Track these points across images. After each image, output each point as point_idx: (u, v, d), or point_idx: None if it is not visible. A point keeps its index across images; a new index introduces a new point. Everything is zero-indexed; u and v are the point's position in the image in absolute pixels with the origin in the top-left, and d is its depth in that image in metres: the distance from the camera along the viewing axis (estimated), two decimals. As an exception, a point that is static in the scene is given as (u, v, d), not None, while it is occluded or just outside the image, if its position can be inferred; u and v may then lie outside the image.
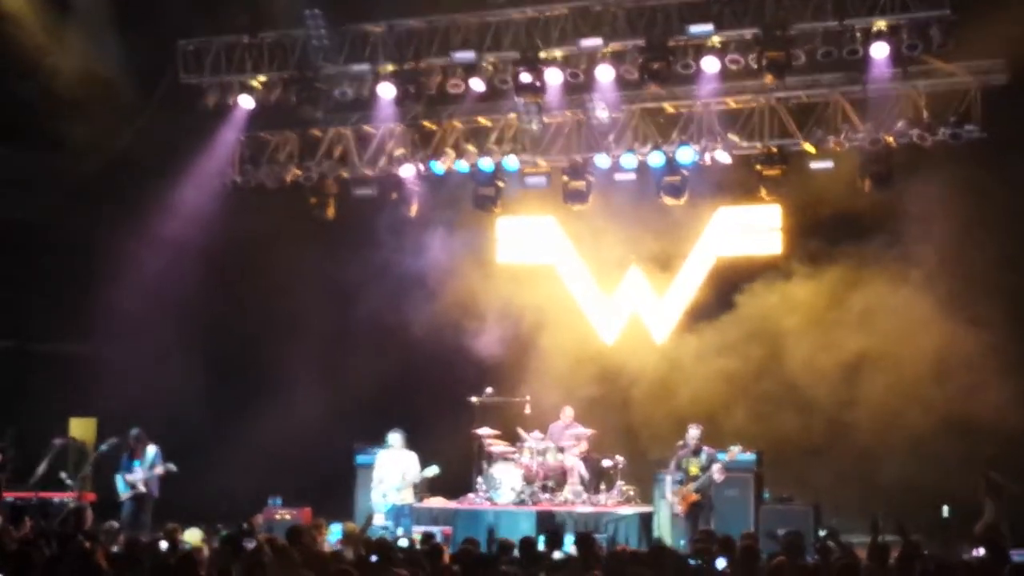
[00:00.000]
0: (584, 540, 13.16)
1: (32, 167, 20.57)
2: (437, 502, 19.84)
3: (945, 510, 17.76)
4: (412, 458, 19.09)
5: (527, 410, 20.23)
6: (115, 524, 17.91)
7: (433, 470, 18.68)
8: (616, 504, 19.18)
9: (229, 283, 21.63)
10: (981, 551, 13.65)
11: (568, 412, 20.23)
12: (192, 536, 16.31)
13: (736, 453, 18.05)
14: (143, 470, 18.76)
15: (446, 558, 12.98)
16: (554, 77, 20.11)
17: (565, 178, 21.18)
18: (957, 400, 18.76)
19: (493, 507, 19.29)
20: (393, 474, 19.03)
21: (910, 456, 18.98)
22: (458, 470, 20.00)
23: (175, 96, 21.59)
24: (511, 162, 21.17)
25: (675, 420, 19.12)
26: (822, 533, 17.00)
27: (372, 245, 21.79)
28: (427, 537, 14.98)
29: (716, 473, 17.68)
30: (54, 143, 20.56)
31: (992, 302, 18.97)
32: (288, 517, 19.13)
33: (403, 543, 14.22)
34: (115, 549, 14.20)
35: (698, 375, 20.66)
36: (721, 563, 12.21)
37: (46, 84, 20.34)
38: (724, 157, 20.36)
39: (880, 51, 18.79)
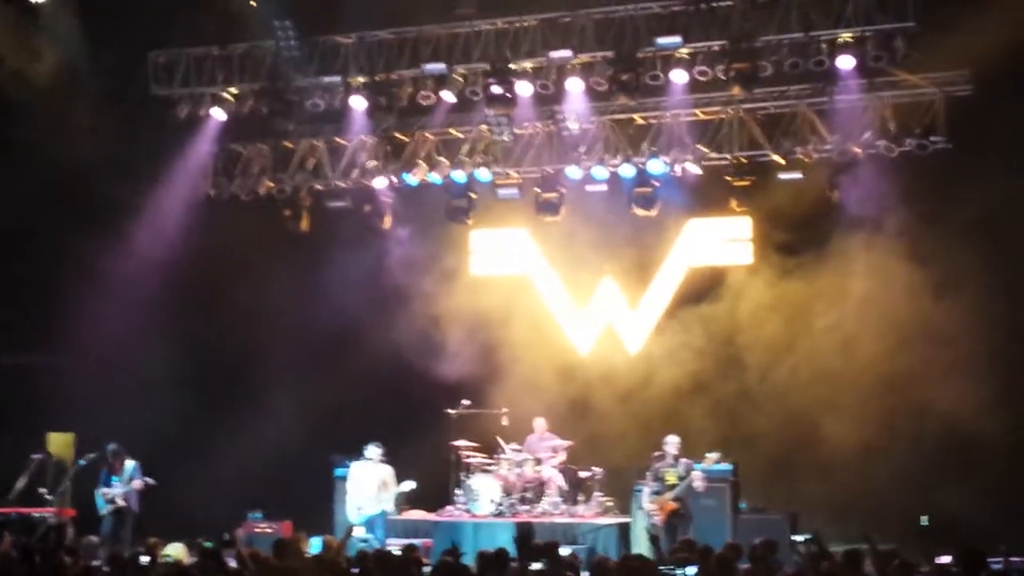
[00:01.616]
0: (549, 550, 13.24)
1: (4, 179, 20.48)
2: (416, 514, 19.97)
3: (924, 519, 17.95)
4: (389, 471, 19.16)
5: (504, 422, 20.38)
6: (95, 539, 17.96)
7: (409, 484, 18.78)
8: (594, 515, 19.40)
9: (204, 295, 21.56)
10: (946, 558, 13.74)
11: (540, 423, 20.40)
12: (174, 550, 16.35)
13: (713, 461, 18.23)
14: (122, 485, 18.79)
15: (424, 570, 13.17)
16: (524, 89, 20.30)
17: (537, 190, 21.36)
18: (932, 407, 19.01)
19: (472, 519, 19.47)
20: (369, 485, 19.09)
21: (887, 463, 19.26)
22: (436, 482, 20.14)
23: (147, 108, 21.61)
24: (483, 174, 21.33)
25: (651, 430, 19.25)
26: (804, 539, 17.14)
27: (346, 257, 21.81)
28: (407, 549, 15.02)
29: (697, 482, 17.80)
30: (25, 152, 20.47)
31: (963, 311, 19.21)
32: (269, 530, 19.20)
33: (385, 553, 14.25)
34: (96, 564, 14.24)
35: (673, 385, 20.77)
36: (691, 571, 12.27)
37: (16, 92, 20.28)
38: (694, 168, 20.58)
39: (846, 63, 19.07)
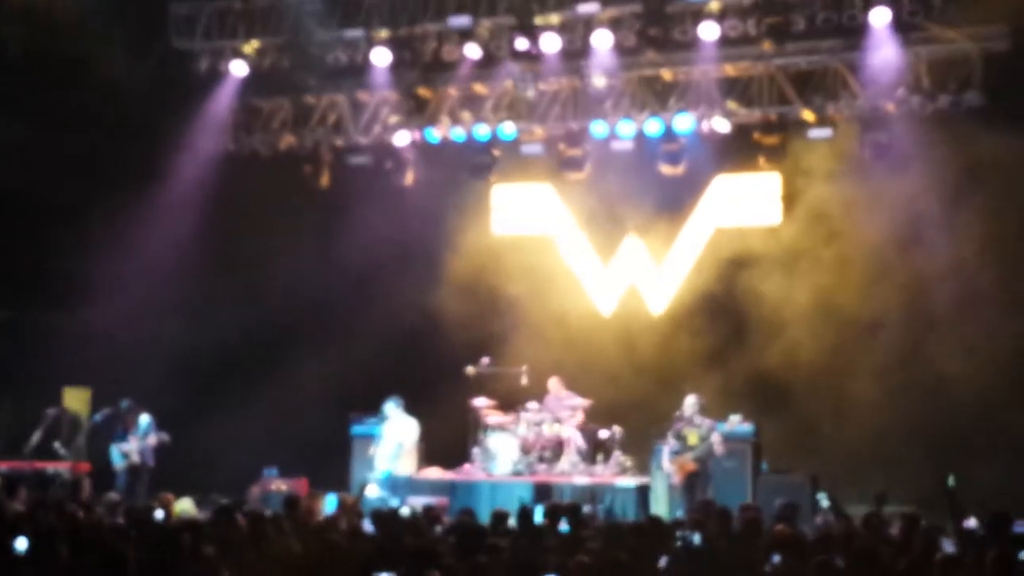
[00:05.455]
0: (573, 513, 13.07)
1: (25, 136, 20.36)
2: (434, 473, 19.80)
3: (951, 479, 17.64)
4: (411, 425, 19.06)
5: (524, 380, 20.10)
6: (114, 495, 17.99)
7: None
8: (613, 475, 19.13)
9: (223, 251, 21.38)
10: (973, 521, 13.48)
11: (555, 382, 20.13)
12: (184, 506, 16.29)
13: (735, 423, 17.90)
14: (137, 440, 18.87)
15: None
16: (550, 44, 19.93)
17: (561, 146, 21.02)
18: (962, 372, 18.49)
19: (489, 478, 19.27)
20: (388, 442, 19.02)
21: (914, 426, 18.87)
22: (454, 441, 20.00)
23: (168, 62, 21.40)
24: (507, 130, 20.99)
25: (672, 390, 18.90)
26: (824, 502, 16.95)
27: (367, 214, 21.46)
28: (425, 508, 14.92)
29: (717, 445, 17.46)
30: (47, 112, 20.34)
31: (997, 275, 18.85)
32: (284, 488, 19.14)
33: (402, 512, 14.13)
34: (115, 519, 14.17)
35: (695, 344, 20.50)
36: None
37: (39, 52, 20.13)
38: (722, 125, 20.17)
39: (880, 17, 18.65)
